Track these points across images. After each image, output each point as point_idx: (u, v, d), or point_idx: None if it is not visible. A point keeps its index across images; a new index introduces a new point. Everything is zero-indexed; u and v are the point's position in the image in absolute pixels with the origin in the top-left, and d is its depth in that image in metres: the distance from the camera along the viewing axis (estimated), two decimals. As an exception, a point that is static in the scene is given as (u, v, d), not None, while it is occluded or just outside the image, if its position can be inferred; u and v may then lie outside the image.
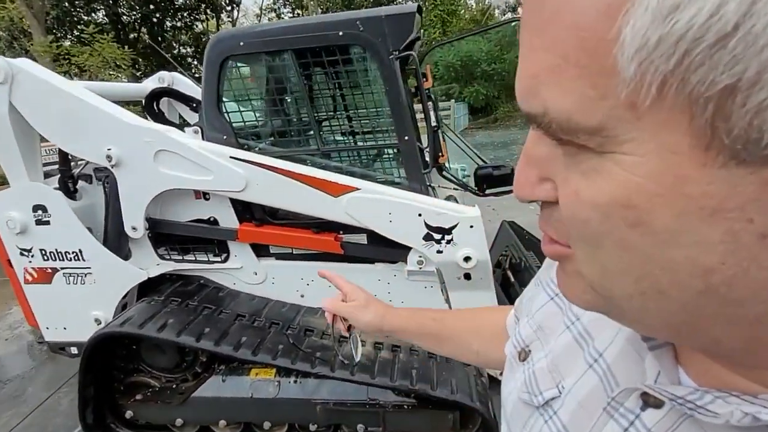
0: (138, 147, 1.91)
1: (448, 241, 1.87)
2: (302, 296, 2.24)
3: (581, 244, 0.25)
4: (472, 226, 1.83)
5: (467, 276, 1.95)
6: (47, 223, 2.13)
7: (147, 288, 2.23)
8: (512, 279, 2.78)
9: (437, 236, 1.87)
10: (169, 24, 19.00)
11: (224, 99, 1.98)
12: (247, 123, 2.04)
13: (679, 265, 0.21)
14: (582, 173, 0.23)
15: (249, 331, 1.95)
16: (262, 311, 2.05)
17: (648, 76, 0.17)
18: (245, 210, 2.07)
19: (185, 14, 19.05)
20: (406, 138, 1.90)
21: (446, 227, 1.85)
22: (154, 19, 17.92)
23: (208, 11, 19.81)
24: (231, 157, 1.87)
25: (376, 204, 1.86)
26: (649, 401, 0.30)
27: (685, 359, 0.30)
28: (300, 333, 1.92)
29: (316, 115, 2.03)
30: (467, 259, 1.86)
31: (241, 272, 2.20)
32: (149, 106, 2.59)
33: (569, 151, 0.23)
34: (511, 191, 2.41)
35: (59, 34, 14.52)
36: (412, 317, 0.70)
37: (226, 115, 1.98)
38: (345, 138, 1.97)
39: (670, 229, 0.20)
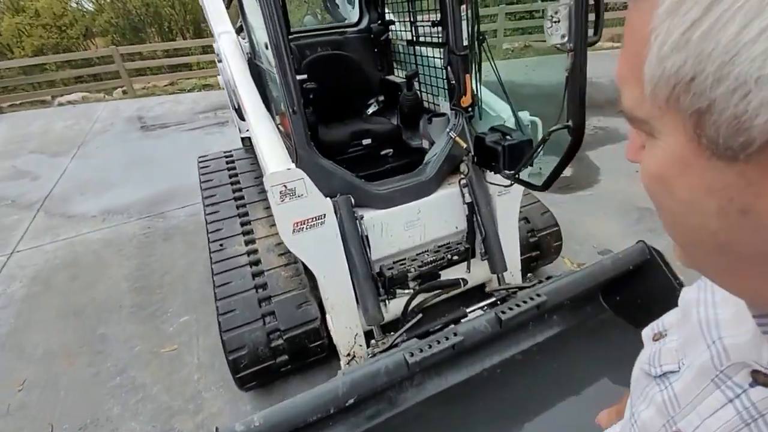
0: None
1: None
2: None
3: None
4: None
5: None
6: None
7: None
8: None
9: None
10: None
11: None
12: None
13: (696, 225, 0.27)
14: (646, 148, 0.30)
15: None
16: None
17: (658, 93, 0.25)
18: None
19: None
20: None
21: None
22: None
23: None
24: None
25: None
26: (758, 379, 0.33)
27: None
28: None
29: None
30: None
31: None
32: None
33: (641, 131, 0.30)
34: (523, 185, 1.89)
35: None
36: None
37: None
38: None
39: (687, 200, 0.27)
